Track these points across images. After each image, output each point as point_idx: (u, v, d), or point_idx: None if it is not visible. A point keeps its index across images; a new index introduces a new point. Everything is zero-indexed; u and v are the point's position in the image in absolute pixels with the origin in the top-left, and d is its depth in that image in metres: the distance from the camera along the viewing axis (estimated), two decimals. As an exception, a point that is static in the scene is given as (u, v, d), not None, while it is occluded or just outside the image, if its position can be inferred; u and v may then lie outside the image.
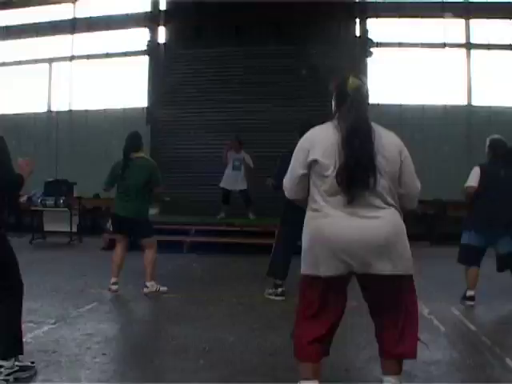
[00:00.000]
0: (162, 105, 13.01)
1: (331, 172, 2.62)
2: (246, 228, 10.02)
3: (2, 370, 3.05)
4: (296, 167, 2.79)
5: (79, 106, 13.97)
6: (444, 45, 12.52)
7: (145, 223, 5.93)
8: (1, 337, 3.09)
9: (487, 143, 5.66)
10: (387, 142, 2.71)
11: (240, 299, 5.59)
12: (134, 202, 5.77)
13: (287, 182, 2.88)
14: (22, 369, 3.13)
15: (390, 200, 2.67)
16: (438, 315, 4.90)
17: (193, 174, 12.22)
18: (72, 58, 14.18)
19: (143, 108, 13.21)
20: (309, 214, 2.77)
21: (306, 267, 2.75)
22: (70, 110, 14.02)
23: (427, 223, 11.59)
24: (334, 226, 2.62)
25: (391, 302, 2.72)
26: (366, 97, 2.82)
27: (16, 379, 3.06)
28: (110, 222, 9.74)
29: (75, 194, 11.07)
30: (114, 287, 5.77)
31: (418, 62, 12.45)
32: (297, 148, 2.84)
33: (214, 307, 5.22)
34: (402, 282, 2.70)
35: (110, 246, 9.44)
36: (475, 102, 12.49)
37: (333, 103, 2.88)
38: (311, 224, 2.73)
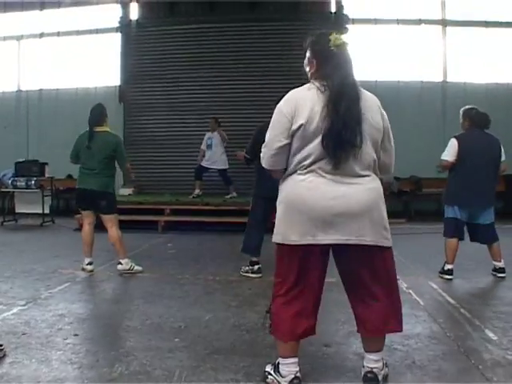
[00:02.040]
0: (135, 83, 12.73)
1: (316, 136, 2.46)
2: (221, 207, 9.91)
3: None
4: (277, 136, 2.56)
5: (50, 85, 13.53)
6: (420, 21, 12.45)
7: (108, 198, 5.70)
8: None
9: (461, 113, 5.63)
10: (371, 104, 2.57)
11: (216, 277, 5.50)
12: (98, 175, 5.58)
13: (266, 152, 2.64)
14: None
15: (372, 167, 2.57)
16: (416, 289, 4.89)
17: (167, 153, 12.06)
18: (42, 35, 13.70)
19: (116, 86, 12.89)
20: (291, 180, 2.60)
21: (283, 236, 2.60)
22: (41, 89, 13.59)
23: (403, 200, 11.67)
24: (319, 194, 2.49)
25: (372, 273, 2.61)
26: (351, 56, 2.60)
27: None
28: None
29: (47, 175, 10.79)
30: (89, 267, 5.64)
31: (393, 39, 12.37)
32: (276, 113, 2.60)
33: (190, 286, 5.12)
34: (383, 253, 2.61)
35: (84, 226, 9.30)
36: (450, 79, 12.50)
37: (310, 62, 2.67)
38: (294, 191, 2.57)
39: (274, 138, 2.59)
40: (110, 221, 5.72)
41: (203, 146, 10.59)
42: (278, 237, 2.63)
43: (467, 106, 5.67)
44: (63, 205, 12.75)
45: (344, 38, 2.57)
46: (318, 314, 2.71)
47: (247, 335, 3.56)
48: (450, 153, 5.38)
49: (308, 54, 2.68)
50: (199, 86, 12.28)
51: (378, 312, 2.64)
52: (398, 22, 12.34)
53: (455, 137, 5.46)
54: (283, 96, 2.65)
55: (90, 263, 5.66)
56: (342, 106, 2.44)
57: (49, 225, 10.42)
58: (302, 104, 2.50)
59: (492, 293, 5.06)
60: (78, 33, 13.37)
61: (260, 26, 12.33)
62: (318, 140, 2.46)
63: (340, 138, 2.42)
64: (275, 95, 5.84)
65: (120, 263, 5.67)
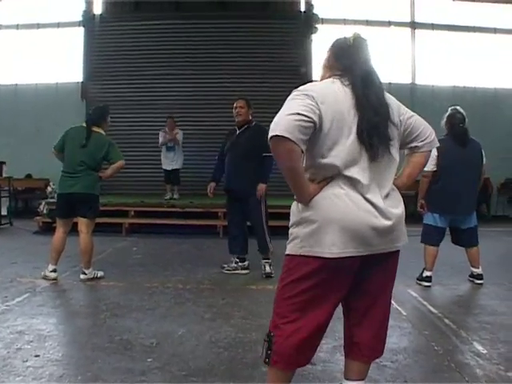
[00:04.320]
0: (98, 79, 12.33)
1: (347, 137, 2.10)
2: (188, 209, 9.62)
3: None
4: (299, 108, 2.00)
5: (8, 80, 12.94)
6: (389, 23, 12.44)
7: (93, 200, 5.41)
8: None
9: (447, 113, 5.41)
10: (391, 101, 2.29)
11: (186, 285, 5.22)
12: (82, 176, 5.26)
13: (282, 118, 1.98)
14: None
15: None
16: (396, 298, 4.64)
17: (132, 153, 11.62)
18: (-1, 27, 13.16)
19: (78, 83, 12.42)
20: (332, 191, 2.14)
21: (314, 247, 2.12)
22: (-5, 84, 13.00)
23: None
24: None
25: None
26: (369, 50, 2.30)
27: None
28: (43, 204, 9.19)
29: (5, 175, 10.29)
30: (53, 275, 5.27)
31: (362, 40, 12.30)
32: (295, 96, 2.08)
33: (159, 295, 4.81)
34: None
35: (44, 229, 8.89)
36: (419, 81, 12.53)
37: (325, 58, 2.36)
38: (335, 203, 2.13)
39: (292, 108, 2.02)
40: (87, 226, 5.39)
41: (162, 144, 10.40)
42: (309, 248, 2.16)
43: (456, 107, 5.43)
44: (22, 206, 12.24)
45: (362, 35, 2.32)
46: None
47: (225, 353, 3.30)
48: (431, 161, 5.08)
49: (327, 56, 2.37)
50: (164, 83, 12.02)
51: (382, 330, 2.41)
52: (368, 22, 12.27)
53: None
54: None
55: (54, 270, 5.29)
56: (372, 92, 2.17)
57: (6, 227, 9.88)
58: (328, 98, 2.10)
59: (473, 301, 4.93)
60: (39, 26, 12.84)
61: (228, 23, 12.14)
62: (352, 140, 2.12)
63: (375, 131, 2.13)
64: (243, 93, 5.74)
65: (84, 273, 5.35)
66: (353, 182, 2.12)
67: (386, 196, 2.20)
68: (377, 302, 2.35)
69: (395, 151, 2.25)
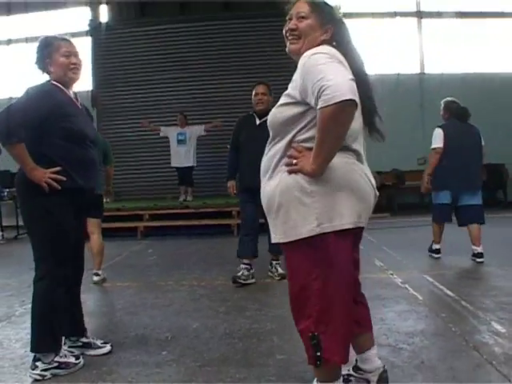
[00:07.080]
0: (108, 87, 12.40)
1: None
2: (201, 210, 9.64)
3: (39, 364, 2.81)
4: (350, 73, 1.91)
5: (19, 92, 13.02)
6: (395, 14, 12.38)
7: (100, 200, 5.19)
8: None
9: (442, 105, 5.91)
10: None
11: (201, 283, 5.23)
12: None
13: (345, 82, 1.80)
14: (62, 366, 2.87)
15: None
16: (412, 284, 4.70)
17: (142, 158, 11.70)
18: (9, 41, 13.32)
19: (88, 91, 12.51)
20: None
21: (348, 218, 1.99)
22: (10, 98, 13.15)
23: (386, 194, 11.51)
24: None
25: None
26: None
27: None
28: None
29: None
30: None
31: (368, 32, 12.23)
32: (325, 59, 1.91)
33: (174, 293, 4.82)
34: None
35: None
36: (427, 70, 12.44)
37: (323, 27, 2.15)
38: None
39: (340, 70, 1.89)
40: (96, 226, 5.24)
41: (163, 131, 10.52)
42: (344, 220, 2.00)
43: (448, 99, 5.93)
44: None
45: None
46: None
47: (240, 343, 3.29)
48: (438, 140, 5.60)
49: (320, 18, 2.15)
50: (173, 87, 12.04)
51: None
52: (373, 15, 12.21)
53: (439, 126, 5.74)
54: None
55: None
56: (365, 71, 2.19)
57: (24, 237, 9.97)
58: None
59: (490, 283, 4.84)
60: (47, 38, 12.96)
61: (234, 24, 12.10)
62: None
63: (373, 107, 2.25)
64: (251, 94, 5.72)
65: (97, 274, 5.35)
66: (357, 155, 2.11)
67: None
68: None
69: None
